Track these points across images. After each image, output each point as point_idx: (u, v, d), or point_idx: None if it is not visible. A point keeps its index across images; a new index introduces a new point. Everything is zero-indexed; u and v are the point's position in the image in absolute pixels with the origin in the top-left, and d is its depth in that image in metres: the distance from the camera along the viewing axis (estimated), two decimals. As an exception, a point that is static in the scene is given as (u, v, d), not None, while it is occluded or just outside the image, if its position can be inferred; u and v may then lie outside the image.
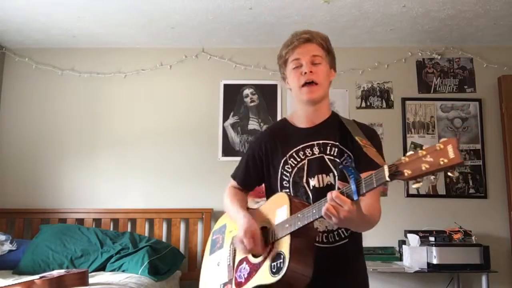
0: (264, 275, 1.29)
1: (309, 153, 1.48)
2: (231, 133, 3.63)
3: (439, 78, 3.69)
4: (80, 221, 3.44)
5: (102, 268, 2.95)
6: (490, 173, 3.55)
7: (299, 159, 1.49)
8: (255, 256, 1.37)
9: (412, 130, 3.62)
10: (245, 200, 1.61)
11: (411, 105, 3.65)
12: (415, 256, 3.09)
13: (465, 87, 3.68)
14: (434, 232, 3.23)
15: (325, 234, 1.43)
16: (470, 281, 3.37)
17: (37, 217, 3.44)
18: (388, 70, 3.69)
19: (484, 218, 3.46)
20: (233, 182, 1.66)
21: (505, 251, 3.43)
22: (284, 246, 1.27)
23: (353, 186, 1.12)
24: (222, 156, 3.58)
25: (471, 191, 3.53)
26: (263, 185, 1.62)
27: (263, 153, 1.56)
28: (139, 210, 3.48)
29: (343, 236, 1.45)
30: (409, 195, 3.51)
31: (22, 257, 3.01)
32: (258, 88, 3.68)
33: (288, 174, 1.49)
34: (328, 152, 1.47)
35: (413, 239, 3.21)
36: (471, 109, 3.64)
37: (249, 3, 2.97)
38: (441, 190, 3.53)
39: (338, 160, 1.45)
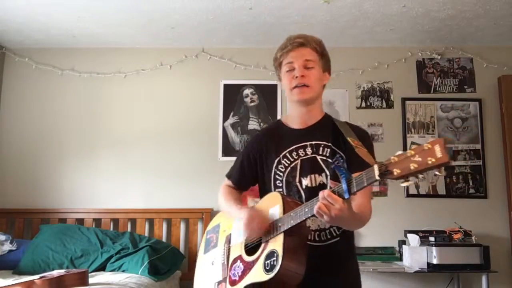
0: (258, 273, 1.32)
1: (302, 153, 1.52)
2: (231, 133, 3.63)
3: (439, 78, 3.69)
4: (80, 221, 3.44)
5: (102, 268, 2.95)
6: (490, 173, 3.55)
7: (292, 159, 1.52)
8: (249, 254, 1.41)
9: (412, 130, 3.62)
10: (240, 199, 1.65)
11: (411, 105, 3.65)
12: (415, 256, 3.09)
13: (465, 87, 3.68)
14: (434, 232, 3.23)
15: (317, 233, 1.46)
16: (470, 281, 3.37)
17: (37, 217, 3.45)
18: (388, 70, 3.69)
19: (484, 218, 3.46)
20: (228, 182, 1.70)
21: (505, 251, 3.43)
22: (278, 244, 1.31)
23: (344, 185, 1.16)
24: (222, 156, 3.58)
25: (471, 191, 3.53)
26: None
27: (257, 153, 1.61)
28: (139, 210, 3.48)
29: (334, 234, 1.47)
30: (409, 195, 3.51)
31: (22, 257, 3.01)
32: (258, 88, 3.68)
33: (281, 174, 1.53)
34: (320, 153, 1.51)
35: (413, 239, 3.21)
36: (471, 109, 3.64)
37: (249, 3, 2.97)
38: (441, 190, 3.53)
39: (330, 160, 1.48)
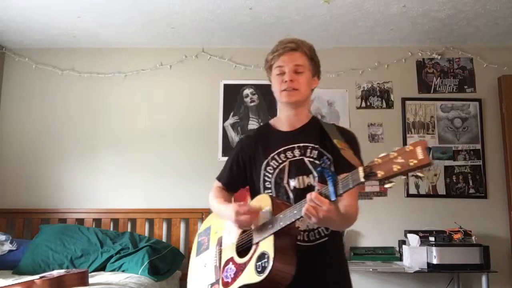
0: (250, 274, 1.34)
1: (290, 155, 1.55)
2: (231, 133, 3.63)
3: (439, 78, 3.69)
4: (80, 221, 3.44)
5: (102, 268, 2.95)
6: (490, 173, 3.55)
7: (280, 161, 1.55)
8: (240, 256, 1.44)
9: (412, 130, 3.62)
10: (230, 200, 1.67)
11: (411, 105, 3.65)
12: (415, 256, 3.09)
13: (465, 87, 3.68)
14: (434, 232, 3.23)
15: (306, 233, 1.49)
16: (470, 281, 3.37)
17: (37, 217, 3.45)
18: (388, 70, 3.69)
19: (484, 218, 3.46)
20: (218, 183, 1.74)
21: (505, 251, 3.43)
22: (268, 246, 1.33)
23: (331, 188, 1.19)
24: (222, 156, 3.58)
25: (471, 191, 3.53)
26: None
27: (246, 156, 1.64)
28: (139, 210, 3.48)
29: (323, 234, 1.50)
30: (409, 195, 3.51)
31: (22, 257, 3.01)
32: (258, 88, 3.68)
33: (270, 176, 1.55)
34: (308, 155, 1.53)
35: (413, 239, 3.21)
36: (471, 109, 3.64)
37: (249, 3, 2.97)
38: (441, 190, 3.53)
39: (317, 162, 1.50)
